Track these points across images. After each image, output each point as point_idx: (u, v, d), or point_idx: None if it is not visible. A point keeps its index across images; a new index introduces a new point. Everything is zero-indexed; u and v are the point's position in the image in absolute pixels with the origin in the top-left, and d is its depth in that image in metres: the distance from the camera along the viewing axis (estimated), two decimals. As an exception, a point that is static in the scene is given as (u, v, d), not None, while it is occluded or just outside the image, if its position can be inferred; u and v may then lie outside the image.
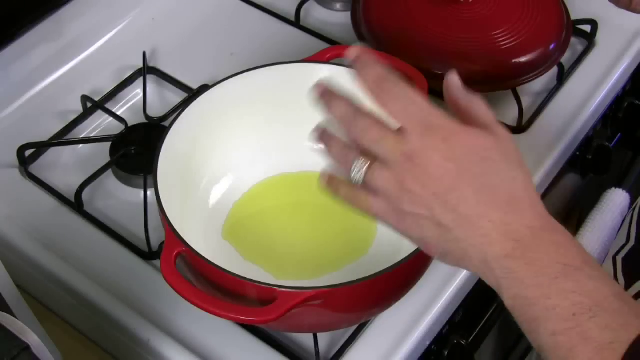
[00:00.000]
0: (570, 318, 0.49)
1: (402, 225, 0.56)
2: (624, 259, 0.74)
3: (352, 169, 0.56)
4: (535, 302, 0.51)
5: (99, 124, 0.91)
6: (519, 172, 0.54)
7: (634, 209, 0.76)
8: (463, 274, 0.76)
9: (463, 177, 0.52)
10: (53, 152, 0.88)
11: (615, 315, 0.49)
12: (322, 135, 0.59)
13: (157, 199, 0.67)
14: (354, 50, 0.57)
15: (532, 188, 0.54)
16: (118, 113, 0.90)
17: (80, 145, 0.89)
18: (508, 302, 0.53)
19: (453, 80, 0.57)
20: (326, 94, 0.58)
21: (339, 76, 0.78)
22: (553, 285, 0.50)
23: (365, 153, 0.55)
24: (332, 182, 0.59)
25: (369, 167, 0.55)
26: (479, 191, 0.52)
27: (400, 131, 0.53)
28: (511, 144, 0.55)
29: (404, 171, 0.53)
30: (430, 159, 0.52)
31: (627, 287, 0.72)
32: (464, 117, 0.56)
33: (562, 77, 0.94)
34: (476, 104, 0.56)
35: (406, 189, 0.53)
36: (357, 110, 0.56)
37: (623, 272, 0.74)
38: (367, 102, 0.57)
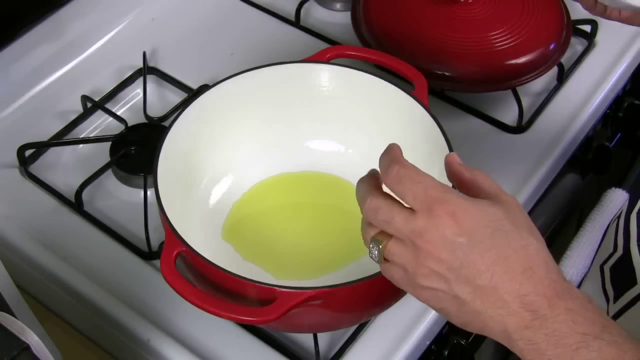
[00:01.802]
0: None
1: (422, 297, 0.57)
2: (612, 269, 0.75)
3: (370, 248, 0.57)
4: None
5: (99, 124, 0.91)
6: (531, 239, 0.54)
7: (619, 217, 0.76)
8: (463, 274, 0.76)
9: (475, 250, 0.52)
10: (53, 152, 0.88)
11: None
12: (361, 200, 0.59)
13: (157, 199, 0.67)
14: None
15: (545, 253, 0.54)
16: (118, 113, 0.90)
17: (80, 145, 0.89)
18: None
19: (453, 158, 0.58)
20: (361, 178, 0.59)
21: (338, 76, 0.79)
22: (575, 356, 0.51)
23: (382, 232, 0.56)
24: (365, 242, 0.60)
25: (384, 247, 0.56)
26: (493, 263, 0.52)
27: (410, 210, 0.54)
28: (520, 211, 0.55)
29: (417, 249, 0.54)
30: (440, 236, 0.53)
31: (617, 297, 0.72)
32: (470, 191, 0.57)
33: (562, 77, 0.94)
34: (479, 176, 0.57)
35: (421, 266, 0.54)
36: (371, 190, 0.57)
37: (612, 282, 0.74)
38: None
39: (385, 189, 0.57)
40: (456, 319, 0.56)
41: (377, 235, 0.56)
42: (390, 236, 0.56)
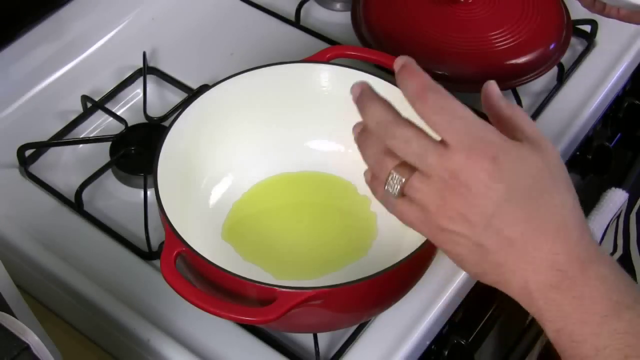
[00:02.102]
0: None
1: (438, 238, 0.53)
2: None
3: (388, 180, 0.53)
4: (584, 340, 0.48)
5: (99, 124, 0.91)
6: (568, 196, 0.51)
7: (619, 217, 0.76)
8: (463, 274, 0.76)
9: (512, 200, 0.49)
10: (53, 152, 0.88)
11: None
12: (360, 134, 0.55)
13: (157, 199, 0.67)
14: (400, 60, 0.53)
15: (581, 215, 0.51)
16: (118, 113, 0.90)
17: (80, 145, 0.89)
18: (551, 335, 0.50)
19: (493, 90, 0.54)
20: (363, 97, 0.54)
21: (338, 76, 0.79)
22: (603, 323, 0.48)
23: (403, 164, 0.52)
24: (373, 182, 0.55)
25: (406, 181, 0.52)
26: (528, 217, 0.49)
27: (444, 145, 0.50)
28: (560, 163, 0.52)
29: (447, 188, 0.50)
30: (477, 179, 0.49)
31: None
32: (508, 129, 0.53)
33: (562, 77, 0.94)
34: (520, 115, 0.53)
35: (448, 207, 0.50)
36: (396, 117, 0.52)
37: None
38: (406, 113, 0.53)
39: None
40: (472, 267, 0.53)
41: (399, 167, 0.52)
42: (412, 170, 0.51)
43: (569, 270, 0.49)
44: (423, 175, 0.51)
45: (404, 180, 0.52)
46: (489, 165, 0.49)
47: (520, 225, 0.49)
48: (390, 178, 0.52)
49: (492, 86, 0.54)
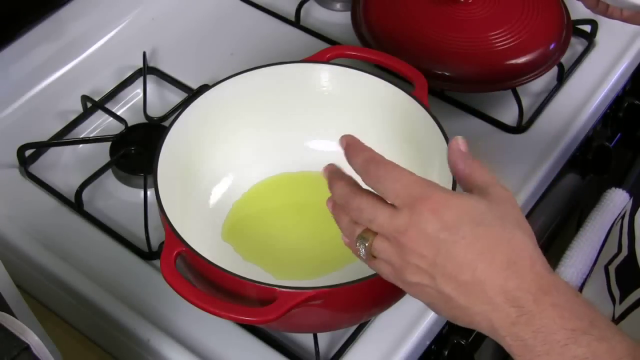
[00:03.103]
0: None
1: (411, 292, 0.56)
2: (617, 270, 0.74)
3: (357, 246, 0.57)
4: None
5: (99, 124, 0.91)
6: (515, 232, 0.53)
7: (623, 217, 0.76)
8: (463, 274, 0.76)
9: (457, 246, 0.52)
10: (53, 152, 0.88)
11: None
12: (334, 208, 0.60)
13: (157, 199, 0.67)
14: (343, 140, 0.59)
15: (531, 247, 0.53)
16: (118, 113, 0.90)
17: (80, 145, 0.89)
18: None
19: (455, 144, 0.58)
20: (331, 176, 0.60)
21: (338, 76, 0.79)
22: (565, 352, 0.50)
23: (367, 230, 0.56)
24: (350, 246, 0.60)
25: (369, 244, 0.56)
26: (476, 258, 0.52)
27: (393, 208, 0.54)
28: (508, 204, 0.55)
29: (400, 245, 0.54)
30: (422, 231, 0.53)
31: (623, 298, 0.72)
32: (462, 182, 0.57)
33: (562, 77, 0.94)
34: (475, 167, 0.57)
35: (406, 261, 0.54)
36: (353, 190, 0.57)
37: (617, 282, 0.74)
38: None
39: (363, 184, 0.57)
40: (444, 313, 0.55)
41: (363, 233, 0.56)
42: (375, 233, 0.56)
43: (524, 304, 0.51)
44: (382, 237, 0.55)
45: (367, 244, 0.56)
46: (431, 218, 0.52)
47: (470, 267, 0.52)
48: (358, 244, 0.57)
49: (454, 141, 0.58)
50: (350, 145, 0.58)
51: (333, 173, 0.59)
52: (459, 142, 0.58)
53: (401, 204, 0.54)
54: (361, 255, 0.57)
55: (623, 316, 0.71)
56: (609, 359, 0.49)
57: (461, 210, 0.53)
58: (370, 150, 0.57)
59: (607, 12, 0.78)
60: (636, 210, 0.73)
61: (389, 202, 0.55)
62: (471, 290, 0.52)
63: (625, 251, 0.73)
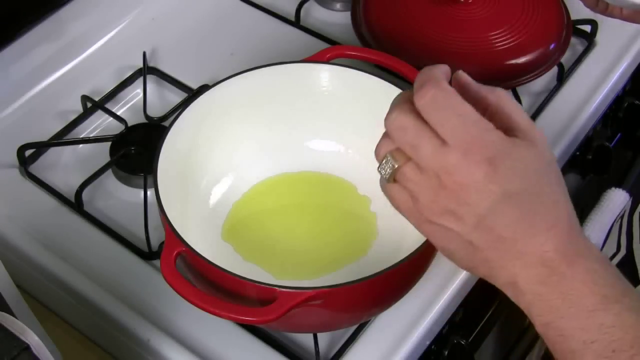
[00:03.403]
0: (610, 355, 0.48)
1: (426, 230, 0.53)
2: None
3: (382, 163, 0.53)
4: (572, 334, 0.49)
5: (99, 124, 0.91)
6: (560, 191, 0.51)
7: (622, 217, 0.76)
8: (463, 273, 0.76)
9: (506, 201, 0.49)
10: (53, 152, 0.88)
11: None
12: (391, 111, 0.54)
13: (157, 199, 0.67)
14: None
15: (570, 208, 0.52)
16: (118, 113, 0.90)
17: (80, 145, 0.89)
18: (540, 329, 0.51)
19: (466, 80, 0.54)
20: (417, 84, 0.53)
21: (338, 76, 0.79)
22: (591, 317, 0.48)
23: (400, 150, 0.52)
24: (377, 157, 0.55)
25: (399, 167, 0.52)
26: (521, 217, 0.50)
27: (441, 141, 0.50)
28: (551, 155, 0.52)
29: (440, 185, 0.50)
30: (472, 179, 0.49)
31: None
32: (497, 118, 0.52)
33: (562, 77, 0.94)
34: (507, 102, 0.53)
35: (439, 202, 0.51)
36: (401, 105, 0.52)
37: None
38: None
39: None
40: (461, 261, 0.53)
41: (395, 152, 0.52)
42: (409, 157, 0.51)
43: (557, 265, 0.49)
44: (417, 166, 0.51)
45: (396, 166, 0.52)
46: (485, 167, 0.49)
47: (512, 225, 0.50)
48: (384, 161, 0.53)
49: (464, 78, 0.54)
50: (427, 67, 0.53)
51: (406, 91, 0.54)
52: (466, 76, 0.54)
53: (455, 142, 0.49)
54: (382, 172, 0.53)
55: None
56: (637, 331, 0.48)
57: (518, 164, 0.50)
58: (439, 75, 0.52)
59: (606, 11, 0.78)
60: (635, 209, 0.73)
61: (440, 134, 0.50)
62: (506, 246, 0.50)
63: (623, 250, 0.73)
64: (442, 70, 0.52)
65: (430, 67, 0.52)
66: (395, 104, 0.52)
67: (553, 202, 0.51)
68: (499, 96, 0.53)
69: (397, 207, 0.54)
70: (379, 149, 0.54)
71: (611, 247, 0.76)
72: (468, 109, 0.50)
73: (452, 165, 0.49)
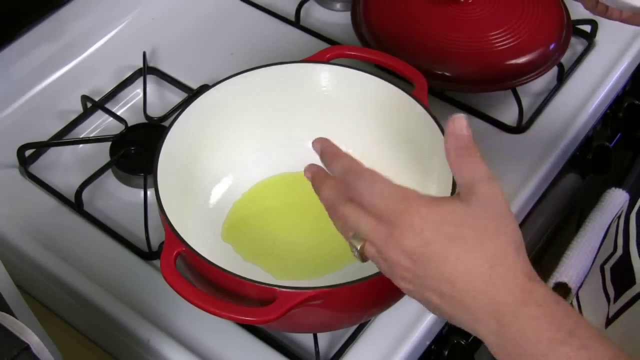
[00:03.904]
0: None
1: (405, 292, 0.57)
2: (612, 269, 0.74)
3: (352, 249, 0.58)
4: None
5: (99, 124, 0.91)
6: (494, 239, 0.53)
7: (619, 217, 0.76)
8: (463, 274, 0.76)
9: (435, 261, 0.52)
10: (53, 152, 0.88)
11: None
12: (328, 209, 0.60)
13: (157, 199, 0.67)
14: (317, 145, 0.62)
15: (511, 254, 0.53)
16: (118, 113, 0.90)
17: (80, 145, 0.89)
18: None
19: (453, 131, 0.56)
20: (313, 178, 0.61)
21: (338, 76, 0.79)
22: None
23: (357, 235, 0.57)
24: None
25: (363, 246, 0.56)
26: (454, 272, 0.52)
27: (376, 217, 0.55)
28: (489, 207, 0.53)
29: (384, 256, 0.54)
30: (401, 247, 0.53)
31: (617, 297, 0.72)
32: (453, 174, 0.56)
33: (562, 77, 0.94)
34: (465, 162, 0.55)
35: (393, 270, 0.55)
36: (337, 197, 0.58)
37: (612, 281, 0.74)
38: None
39: None
40: (437, 315, 0.56)
41: (354, 237, 0.57)
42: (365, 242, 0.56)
43: (503, 317, 0.51)
44: (370, 243, 0.56)
45: (358, 247, 0.57)
46: (408, 233, 0.53)
47: (449, 281, 0.52)
48: (351, 247, 0.57)
49: (448, 134, 0.56)
50: (327, 151, 0.60)
51: (315, 175, 0.61)
52: (457, 125, 0.56)
53: (381, 216, 0.54)
54: (355, 255, 0.58)
55: (617, 315, 0.71)
56: None
57: (438, 221, 0.52)
58: (347, 156, 0.58)
59: (606, 13, 0.78)
60: (632, 209, 0.73)
61: (369, 213, 0.55)
62: (453, 302, 0.53)
63: (620, 250, 0.73)
64: (340, 152, 0.60)
65: (334, 154, 0.60)
66: (331, 199, 0.58)
67: (484, 252, 0.52)
68: (459, 153, 0.56)
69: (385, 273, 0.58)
70: (345, 236, 0.58)
71: (608, 248, 0.76)
72: (384, 183, 0.55)
73: (384, 237, 0.54)
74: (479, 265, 0.52)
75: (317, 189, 0.60)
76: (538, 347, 0.50)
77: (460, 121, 0.56)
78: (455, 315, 0.54)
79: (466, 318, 0.53)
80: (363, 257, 0.57)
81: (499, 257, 0.52)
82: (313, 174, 0.61)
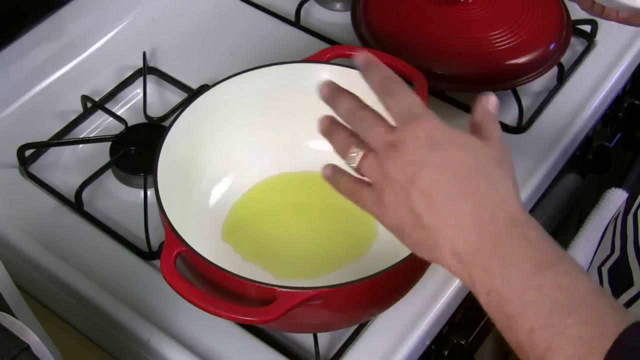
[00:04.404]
0: (548, 315, 0.49)
1: (383, 214, 0.57)
2: (610, 271, 0.74)
3: (350, 156, 0.58)
4: (511, 298, 0.50)
5: (99, 124, 0.91)
6: (497, 167, 0.54)
7: (617, 218, 0.76)
8: (463, 274, 0.76)
9: (438, 164, 0.53)
10: (53, 152, 0.88)
11: (594, 311, 0.49)
12: (328, 125, 0.61)
13: (157, 199, 0.67)
14: (362, 55, 0.60)
15: (509, 183, 0.54)
16: (118, 113, 0.90)
17: (80, 145, 0.89)
18: (482, 299, 0.52)
19: (486, 105, 0.60)
20: (333, 92, 0.61)
21: (338, 76, 0.78)
22: (529, 280, 0.50)
23: (363, 144, 0.57)
24: (334, 175, 0.61)
25: (363, 157, 0.57)
26: (454, 180, 0.53)
27: (392, 126, 0.56)
28: (497, 150, 0.56)
29: (386, 159, 0.55)
30: (410, 145, 0.54)
31: (615, 298, 0.72)
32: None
33: (562, 77, 0.94)
34: (486, 118, 0.59)
35: (388, 177, 0.55)
36: (360, 104, 0.59)
37: (609, 283, 0.74)
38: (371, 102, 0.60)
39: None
40: (412, 236, 0.56)
41: (356, 145, 0.57)
42: (367, 152, 0.57)
43: (494, 232, 0.52)
44: (373, 152, 0.56)
45: (361, 154, 0.57)
46: (421, 135, 0.54)
47: (445, 187, 0.53)
48: (351, 153, 0.58)
49: (491, 100, 0.60)
50: (369, 61, 0.60)
51: (335, 89, 0.61)
52: (489, 101, 0.60)
53: (400, 120, 0.56)
54: (350, 164, 0.58)
55: None
56: (573, 291, 0.50)
57: (452, 136, 0.55)
58: (388, 69, 0.59)
59: (602, 14, 0.78)
60: (629, 210, 0.73)
61: (392, 117, 0.57)
62: (441, 210, 0.53)
63: (617, 252, 0.73)
64: (382, 65, 0.60)
65: (377, 65, 0.60)
66: (350, 104, 0.60)
67: (487, 173, 0.54)
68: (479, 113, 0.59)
69: (364, 205, 0.58)
70: (345, 148, 0.59)
71: (605, 249, 0.76)
72: (417, 97, 0.57)
73: (395, 137, 0.55)
74: (479, 181, 0.53)
75: (337, 100, 0.61)
76: (528, 265, 0.50)
77: (490, 98, 0.60)
78: (438, 225, 0.53)
79: (450, 232, 0.53)
80: (358, 167, 0.57)
81: (499, 180, 0.54)
82: (332, 89, 0.62)
